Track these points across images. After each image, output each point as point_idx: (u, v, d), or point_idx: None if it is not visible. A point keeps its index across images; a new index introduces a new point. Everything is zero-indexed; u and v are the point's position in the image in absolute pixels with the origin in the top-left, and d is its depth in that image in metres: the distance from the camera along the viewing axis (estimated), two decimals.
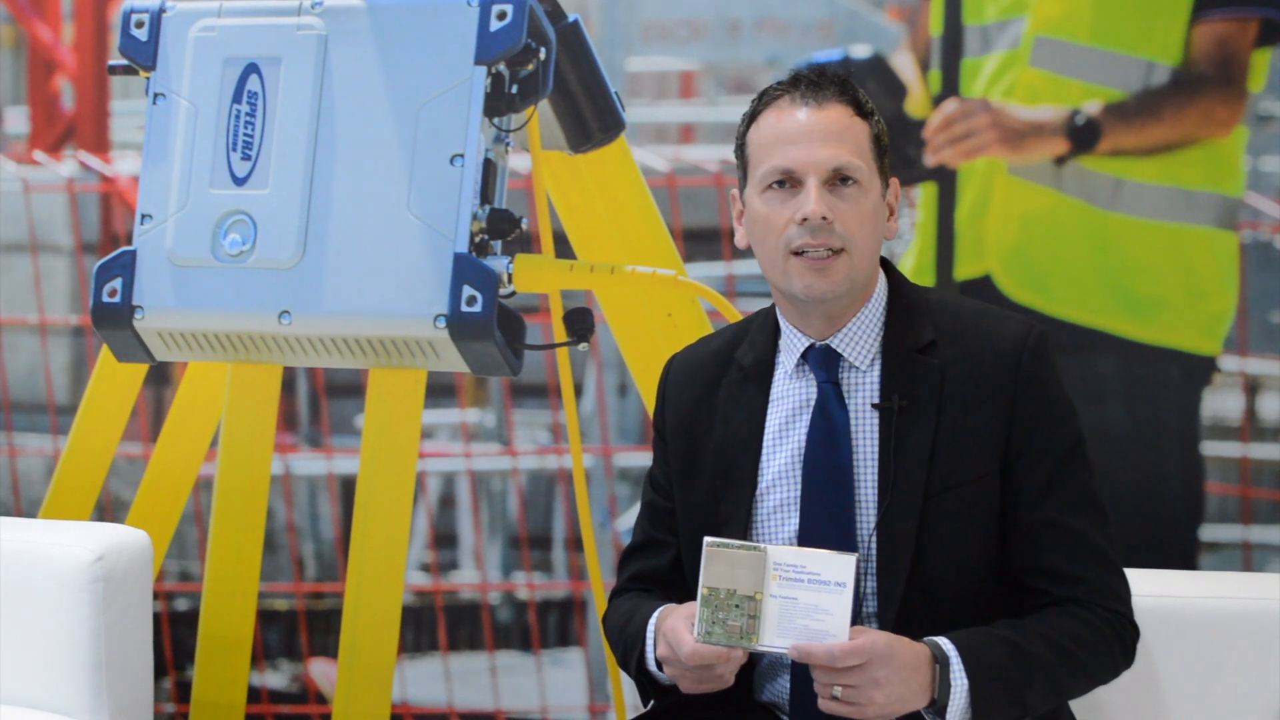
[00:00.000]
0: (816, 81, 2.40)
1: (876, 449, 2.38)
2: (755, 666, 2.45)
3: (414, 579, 4.95)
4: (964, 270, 3.91)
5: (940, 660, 2.27)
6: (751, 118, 2.43)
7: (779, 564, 2.26)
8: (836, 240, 2.35)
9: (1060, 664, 2.31)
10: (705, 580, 2.27)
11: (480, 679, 4.62)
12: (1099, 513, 2.38)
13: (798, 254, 2.36)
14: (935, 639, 2.29)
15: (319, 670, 4.68)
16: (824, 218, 2.34)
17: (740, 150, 2.44)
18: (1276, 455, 4.22)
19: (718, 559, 2.27)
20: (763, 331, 2.49)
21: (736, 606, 2.26)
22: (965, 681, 2.26)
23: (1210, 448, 3.98)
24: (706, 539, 2.29)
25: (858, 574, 2.26)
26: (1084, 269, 3.88)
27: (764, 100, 2.42)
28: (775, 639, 2.26)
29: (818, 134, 2.36)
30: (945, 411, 2.36)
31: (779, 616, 2.26)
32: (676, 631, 2.30)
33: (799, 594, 2.25)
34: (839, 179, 2.36)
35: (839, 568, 2.25)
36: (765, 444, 2.44)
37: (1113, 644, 2.36)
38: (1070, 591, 2.35)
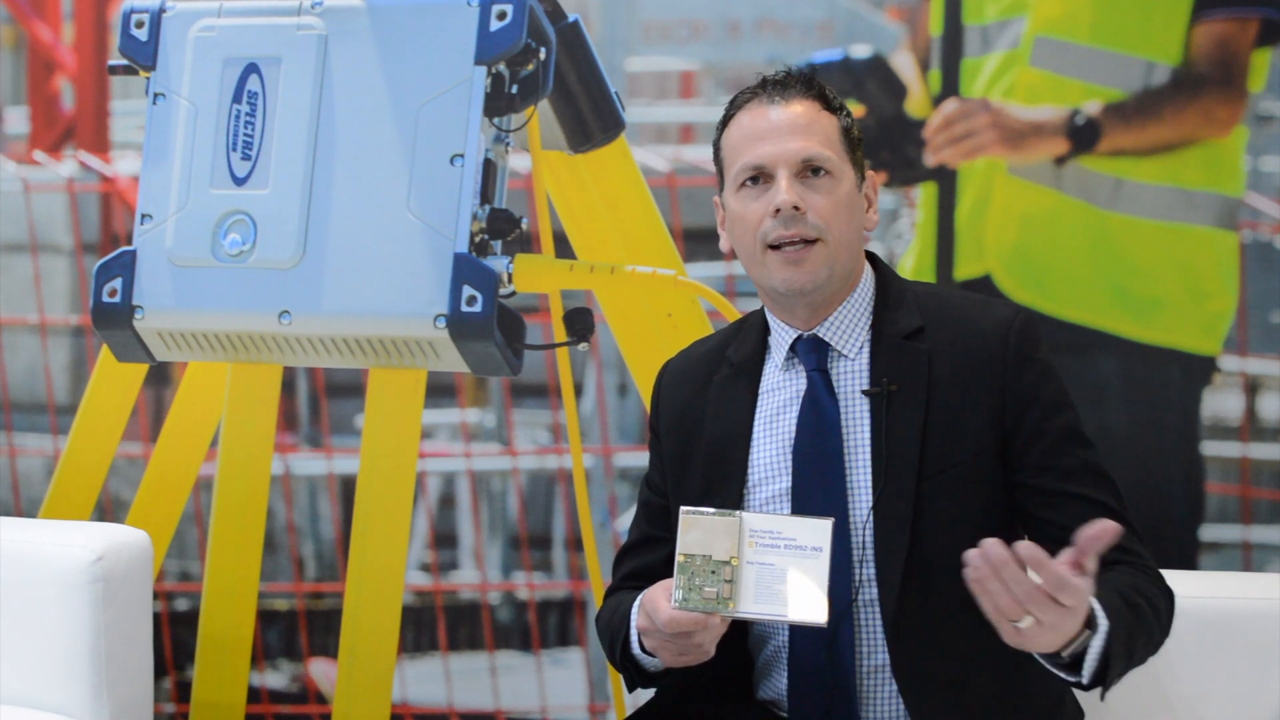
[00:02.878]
0: (782, 81, 2.45)
1: (868, 435, 2.39)
2: (754, 664, 2.46)
3: (414, 579, 4.94)
4: (964, 270, 3.91)
5: (1090, 622, 2.18)
6: (724, 123, 2.48)
7: (755, 530, 2.27)
8: (810, 230, 2.38)
9: (1153, 615, 2.28)
10: (681, 547, 2.27)
11: (480, 679, 4.62)
12: (1111, 482, 2.39)
13: (774, 248, 2.39)
14: None
15: (319, 670, 4.68)
16: (795, 207, 2.37)
17: (716, 156, 2.49)
18: (1276, 455, 4.22)
19: (693, 526, 2.27)
20: (753, 329, 2.51)
21: (713, 573, 2.26)
22: (1107, 624, 2.19)
23: (1210, 448, 3.98)
24: (683, 507, 2.30)
25: (835, 539, 2.26)
26: (1084, 269, 3.88)
27: (735, 105, 2.48)
28: (752, 605, 2.25)
29: (785, 128, 2.41)
30: (935, 395, 2.38)
31: (756, 582, 2.25)
32: (654, 601, 2.31)
33: (776, 560, 2.26)
34: (809, 170, 2.40)
35: (815, 533, 2.25)
36: (754, 436, 2.45)
37: (1167, 603, 2.34)
38: (1116, 559, 2.31)
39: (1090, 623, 2.20)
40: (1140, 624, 2.27)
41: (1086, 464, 2.38)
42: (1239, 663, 2.62)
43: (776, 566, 2.26)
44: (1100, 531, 2.12)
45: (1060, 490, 2.37)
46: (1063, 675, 2.23)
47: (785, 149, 2.39)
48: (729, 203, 2.45)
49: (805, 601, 2.23)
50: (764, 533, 2.27)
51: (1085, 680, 2.21)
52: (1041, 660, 2.23)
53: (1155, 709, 2.64)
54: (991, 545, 2.11)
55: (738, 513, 2.28)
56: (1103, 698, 2.25)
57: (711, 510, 2.29)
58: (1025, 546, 2.11)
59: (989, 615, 2.14)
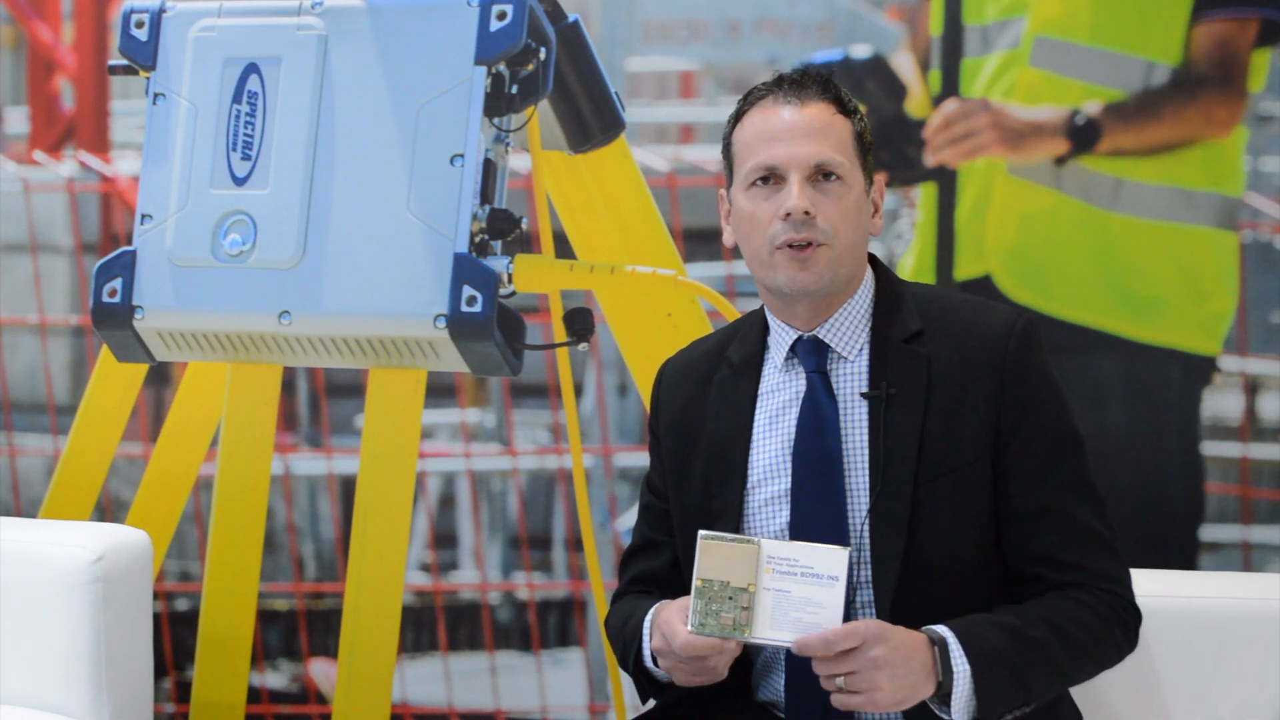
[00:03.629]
0: (799, 81, 2.43)
1: (866, 438, 2.39)
2: (753, 666, 2.46)
3: (414, 579, 4.95)
4: (964, 270, 3.91)
5: (938, 644, 2.26)
6: (736, 118, 2.46)
7: (772, 557, 2.27)
8: (819, 235, 2.37)
9: (1062, 648, 2.31)
10: (699, 572, 2.28)
11: (480, 679, 4.62)
12: (1095, 497, 2.39)
13: (781, 248, 2.38)
14: (931, 626, 2.29)
15: (319, 670, 4.68)
16: (806, 212, 2.36)
17: (726, 150, 2.48)
18: (1276, 455, 4.22)
19: (712, 552, 2.28)
20: (752, 329, 2.51)
21: (730, 599, 2.27)
22: (967, 667, 2.26)
23: (1210, 448, 3.98)
24: (701, 532, 2.30)
25: (850, 568, 2.27)
26: (1084, 269, 3.89)
27: (748, 100, 2.46)
28: (768, 631, 2.26)
29: (800, 131, 2.39)
30: (934, 399, 2.37)
31: (772, 609, 2.26)
32: (670, 623, 2.31)
33: (792, 587, 2.26)
34: (821, 174, 2.39)
35: (832, 561, 2.26)
36: (754, 437, 2.45)
37: (1114, 627, 2.35)
38: (1069, 577, 2.35)
39: (935, 640, 2.26)
40: (1037, 657, 2.29)
41: (1070, 478, 2.38)
42: (1239, 663, 2.62)
43: (793, 594, 2.27)
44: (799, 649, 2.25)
45: (1038, 504, 2.37)
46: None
47: (799, 152, 2.39)
48: (737, 199, 2.44)
49: (819, 629, 2.25)
50: (781, 560, 2.28)
51: (958, 718, 2.27)
52: (933, 707, 2.27)
53: (1155, 709, 2.64)
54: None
55: (757, 540, 2.29)
56: None
57: (730, 536, 2.30)
58: (795, 644, 2.25)
59: (836, 704, 2.26)
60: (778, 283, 2.41)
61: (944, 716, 2.28)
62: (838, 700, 2.24)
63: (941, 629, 2.28)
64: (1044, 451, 2.37)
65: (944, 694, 2.26)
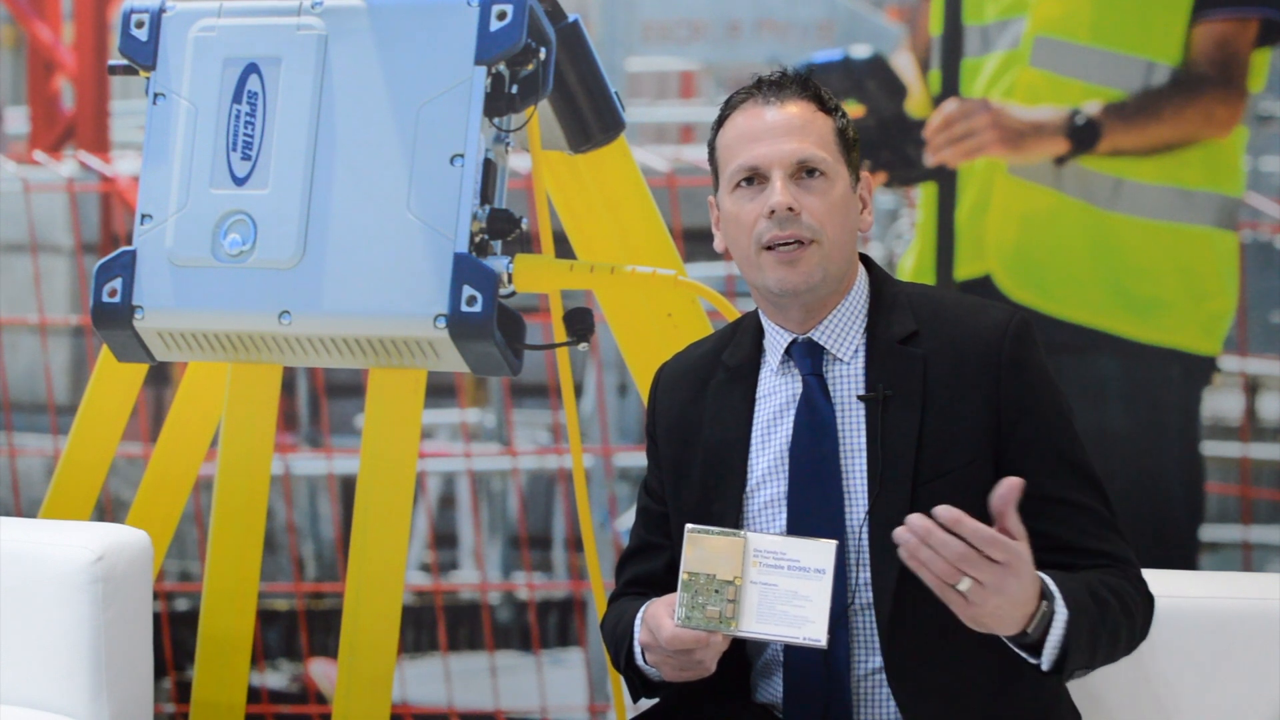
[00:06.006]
0: (777, 82, 2.45)
1: (864, 440, 2.39)
2: (752, 667, 2.46)
3: (414, 579, 4.94)
4: (964, 270, 3.91)
5: (1047, 598, 2.21)
6: (719, 123, 2.47)
7: (759, 550, 2.28)
8: (805, 231, 2.38)
9: (1122, 613, 2.30)
10: (686, 565, 2.28)
11: (480, 679, 4.62)
12: (1101, 486, 2.40)
13: (769, 249, 2.39)
14: (1043, 576, 2.22)
15: (319, 670, 4.68)
16: (790, 209, 2.37)
17: (711, 156, 2.49)
18: (1276, 455, 4.22)
19: (698, 545, 2.28)
20: (747, 332, 2.51)
21: (716, 592, 2.27)
22: (1065, 613, 2.21)
23: (1210, 448, 3.98)
24: (688, 525, 2.30)
25: (838, 561, 2.27)
26: (1084, 269, 3.88)
27: (730, 105, 2.47)
28: (754, 625, 2.27)
29: (780, 129, 2.40)
30: (930, 400, 2.38)
31: (758, 602, 2.27)
32: (657, 617, 2.32)
33: (779, 580, 2.26)
34: (804, 171, 2.40)
35: (818, 554, 2.26)
36: (752, 441, 2.45)
37: (1145, 607, 2.36)
38: (1095, 563, 2.34)
39: (1046, 595, 2.21)
40: (1104, 618, 2.27)
41: (1076, 471, 2.38)
42: (1239, 663, 2.62)
43: (780, 587, 2.27)
44: (1007, 490, 2.17)
45: (1049, 497, 2.36)
46: (1025, 656, 2.24)
47: (780, 150, 2.39)
48: (723, 203, 2.45)
49: (806, 623, 2.25)
50: (768, 553, 2.28)
51: (1045, 665, 2.23)
52: (1007, 642, 2.23)
53: (1154, 709, 2.64)
54: (914, 517, 2.16)
55: (743, 533, 2.29)
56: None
57: (717, 530, 2.30)
58: (942, 509, 2.15)
59: (936, 591, 2.17)
60: (767, 284, 2.41)
61: (1026, 658, 2.24)
62: (963, 609, 2.17)
63: (1050, 583, 2.22)
64: (1048, 447, 2.37)
65: (1033, 640, 2.22)
